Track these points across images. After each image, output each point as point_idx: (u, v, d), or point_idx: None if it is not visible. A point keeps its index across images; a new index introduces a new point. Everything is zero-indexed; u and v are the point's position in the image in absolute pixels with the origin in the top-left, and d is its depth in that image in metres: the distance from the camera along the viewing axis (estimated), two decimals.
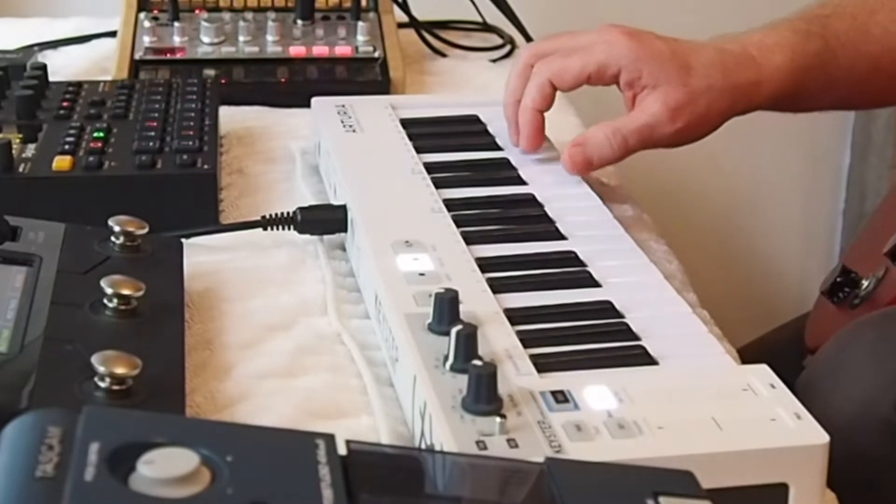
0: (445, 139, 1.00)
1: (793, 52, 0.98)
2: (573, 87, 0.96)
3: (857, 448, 0.82)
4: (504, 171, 0.95)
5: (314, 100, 1.06)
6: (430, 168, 0.93)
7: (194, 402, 0.71)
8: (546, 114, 0.97)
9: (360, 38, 1.27)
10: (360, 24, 1.28)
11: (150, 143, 0.95)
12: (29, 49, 1.34)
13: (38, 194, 0.89)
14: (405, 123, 1.02)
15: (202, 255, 0.88)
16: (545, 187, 0.92)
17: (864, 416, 0.83)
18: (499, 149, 0.99)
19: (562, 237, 0.84)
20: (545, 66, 0.95)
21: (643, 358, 0.69)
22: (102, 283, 0.71)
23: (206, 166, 0.93)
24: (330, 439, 0.47)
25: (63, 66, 1.30)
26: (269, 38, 1.26)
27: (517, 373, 0.66)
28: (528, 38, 1.41)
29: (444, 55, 1.42)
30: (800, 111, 1.09)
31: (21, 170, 0.90)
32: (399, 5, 1.38)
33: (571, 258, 0.81)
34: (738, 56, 0.97)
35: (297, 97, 1.16)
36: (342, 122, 1.01)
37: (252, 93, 1.22)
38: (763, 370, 0.66)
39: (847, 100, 1.11)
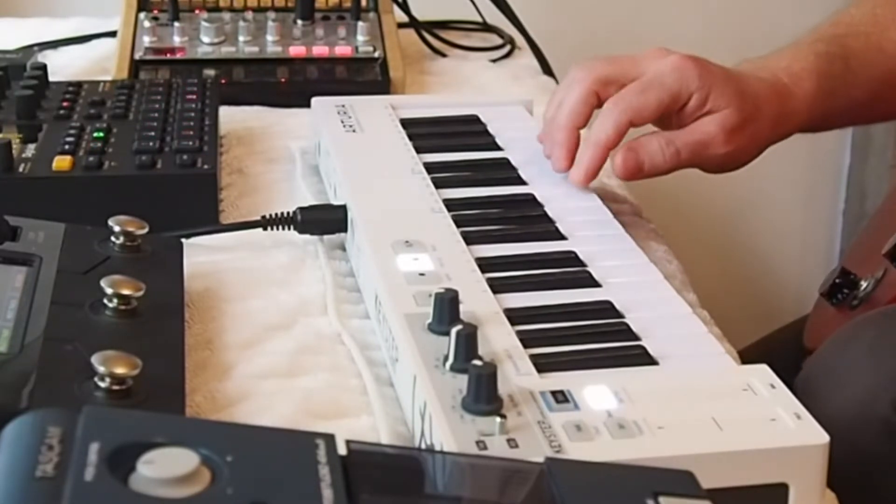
0: (445, 139, 1.00)
1: (819, 77, 0.99)
2: (650, 121, 0.94)
3: (855, 447, 0.82)
4: (504, 171, 0.95)
5: (314, 100, 1.06)
6: (430, 168, 0.93)
7: (194, 402, 0.71)
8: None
9: (360, 38, 1.27)
10: (360, 24, 1.28)
11: (150, 143, 0.95)
12: (29, 49, 1.34)
13: (38, 194, 0.90)
14: (405, 123, 1.02)
15: (202, 255, 0.88)
16: (545, 187, 0.92)
17: (863, 415, 0.83)
18: (499, 149, 0.99)
19: (562, 237, 0.84)
20: (624, 104, 0.91)
21: (643, 358, 0.69)
22: (102, 283, 0.71)
23: (206, 166, 0.93)
24: (330, 439, 0.47)
25: (63, 66, 1.30)
26: (269, 38, 1.26)
27: (517, 373, 0.66)
28: (528, 38, 1.41)
29: (444, 55, 1.42)
30: (823, 131, 1.09)
31: (21, 170, 0.90)
32: (399, 5, 1.38)
33: (571, 258, 0.81)
34: (774, 86, 0.97)
35: (297, 97, 1.16)
36: (342, 122, 1.01)
37: (252, 93, 1.22)
38: (763, 370, 0.66)
39: (864, 117, 1.12)
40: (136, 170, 0.92)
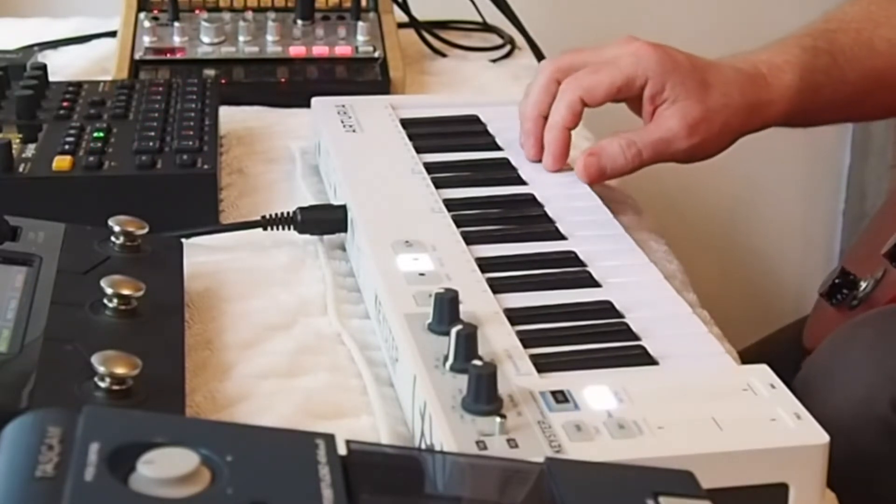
0: (445, 139, 1.00)
1: (802, 70, 0.99)
2: (603, 102, 0.95)
3: (854, 447, 0.82)
4: (504, 171, 0.95)
5: (314, 100, 1.06)
6: (430, 168, 0.93)
7: (194, 402, 0.71)
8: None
9: (360, 38, 1.27)
10: (360, 24, 1.28)
11: (150, 143, 0.95)
12: (29, 49, 1.34)
13: (38, 194, 0.90)
14: (405, 123, 1.02)
15: (202, 255, 0.88)
16: (545, 187, 0.92)
17: (862, 414, 0.83)
18: (499, 149, 0.99)
19: (562, 237, 0.84)
20: (575, 83, 0.94)
21: (643, 358, 0.69)
22: (102, 283, 0.71)
23: (206, 166, 0.93)
24: (330, 439, 0.47)
25: (63, 66, 1.30)
26: (269, 38, 1.26)
27: (517, 373, 0.66)
28: (529, 38, 1.41)
29: (444, 55, 1.42)
30: (808, 126, 1.10)
31: (21, 170, 0.90)
32: (399, 5, 1.38)
33: (571, 258, 0.81)
34: (751, 76, 0.98)
35: (297, 97, 1.16)
36: (342, 122, 1.01)
37: (252, 93, 1.22)
38: (763, 370, 0.66)
39: (853, 113, 1.12)
40: (136, 170, 0.92)
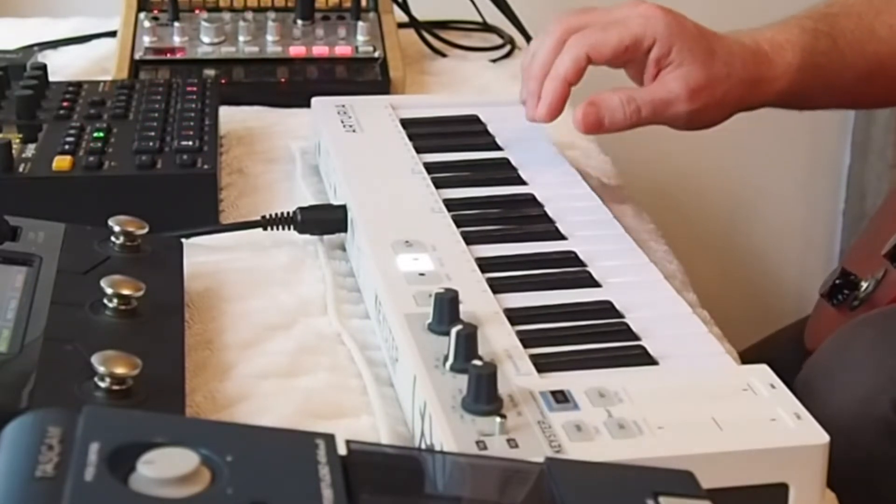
0: (445, 139, 1.00)
1: (802, 50, 0.99)
2: (610, 60, 0.95)
3: (855, 447, 0.82)
4: (504, 171, 0.95)
5: (314, 100, 1.06)
6: (430, 168, 0.93)
7: (194, 402, 0.71)
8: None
9: (360, 38, 1.27)
10: (360, 24, 1.28)
11: (150, 143, 0.95)
12: (29, 49, 1.34)
13: (38, 194, 0.89)
14: (405, 123, 1.02)
15: (202, 255, 0.88)
16: (545, 187, 0.92)
17: (863, 414, 0.83)
18: (499, 149, 0.99)
19: (562, 237, 0.84)
20: (582, 39, 0.94)
21: (643, 358, 0.69)
22: (102, 283, 0.71)
23: (206, 166, 0.93)
24: (330, 439, 0.47)
25: (63, 66, 1.30)
26: (269, 38, 1.26)
27: (517, 373, 0.66)
28: (529, 39, 1.41)
29: (444, 55, 1.42)
30: (806, 108, 1.10)
31: (21, 170, 0.90)
32: (399, 5, 1.38)
33: (571, 258, 0.81)
34: (754, 51, 0.98)
35: (297, 97, 1.16)
36: (342, 122, 1.01)
37: (252, 93, 1.22)
38: (763, 370, 0.66)
39: (852, 99, 1.12)
40: (136, 170, 0.92)
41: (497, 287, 0.76)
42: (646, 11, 0.95)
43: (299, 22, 1.29)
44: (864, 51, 1.03)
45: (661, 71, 0.95)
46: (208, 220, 0.92)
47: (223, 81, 1.20)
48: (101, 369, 0.62)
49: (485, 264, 0.78)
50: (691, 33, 0.96)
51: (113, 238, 0.79)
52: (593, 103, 0.94)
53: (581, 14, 0.97)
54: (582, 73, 0.95)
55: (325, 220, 0.90)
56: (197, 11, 1.30)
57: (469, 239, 0.82)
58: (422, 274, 0.76)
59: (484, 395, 0.61)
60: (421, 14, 1.42)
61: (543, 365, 0.67)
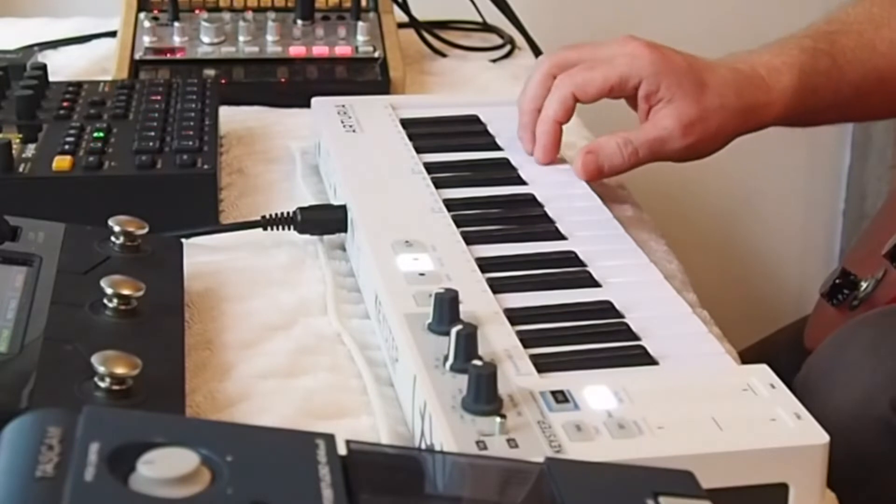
0: (445, 139, 1.00)
1: (801, 72, 0.99)
2: (595, 99, 0.96)
3: (854, 447, 0.82)
4: (504, 171, 0.95)
5: (314, 100, 1.06)
6: (430, 168, 0.93)
7: (194, 402, 0.71)
8: None
9: (360, 38, 1.27)
10: (360, 24, 1.28)
11: (150, 143, 0.95)
12: (29, 49, 1.34)
13: (38, 194, 0.89)
14: (405, 123, 1.02)
15: (202, 255, 0.88)
16: (545, 187, 0.92)
17: (862, 414, 0.83)
18: (499, 149, 0.99)
19: (562, 237, 0.84)
20: (568, 79, 0.96)
21: (643, 358, 0.69)
22: (102, 283, 0.71)
23: (206, 166, 0.93)
24: (330, 439, 0.47)
25: (63, 66, 1.30)
26: (269, 38, 1.26)
27: (517, 373, 0.66)
28: (528, 38, 1.41)
29: (444, 55, 1.42)
30: (808, 126, 1.10)
31: (21, 170, 0.90)
32: (399, 5, 1.38)
33: (571, 258, 0.81)
34: (749, 77, 0.98)
35: (297, 97, 1.16)
36: (342, 122, 1.01)
37: (252, 93, 1.22)
38: (763, 370, 0.66)
39: (853, 114, 1.13)
40: (136, 170, 0.92)
41: (497, 287, 0.76)
42: (633, 50, 0.96)
43: (299, 22, 1.29)
44: (865, 67, 1.03)
45: (652, 108, 0.96)
46: (208, 220, 0.92)
47: (223, 81, 1.20)
48: (101, 369, 0.62)
49: (485, 264, 0.78)
50: (679, 68, 0.95)
51: (113, 238, 0.79)
52: (591, 151, 0.95)
53: (569, 50, 0.99)
54: (571, 112, 0.96)
55: (325, 220, 0.90)
56: (197, 11, 1.30)
57: (469, 239, 0.82)
58: (422, 274, 0.76)
59: (484, 395, 0.61)
60: (421, 14, 1.42)
61: (543, 365, 0.67)
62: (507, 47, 1.44)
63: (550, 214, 0.87)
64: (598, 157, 0.95)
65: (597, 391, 0.63)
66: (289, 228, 0.90)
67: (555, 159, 0.97)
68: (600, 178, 0.96)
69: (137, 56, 1.24)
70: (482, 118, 1.05)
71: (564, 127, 0.97)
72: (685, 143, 0.95)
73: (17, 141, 0.95)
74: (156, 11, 1.29)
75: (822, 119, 1.09)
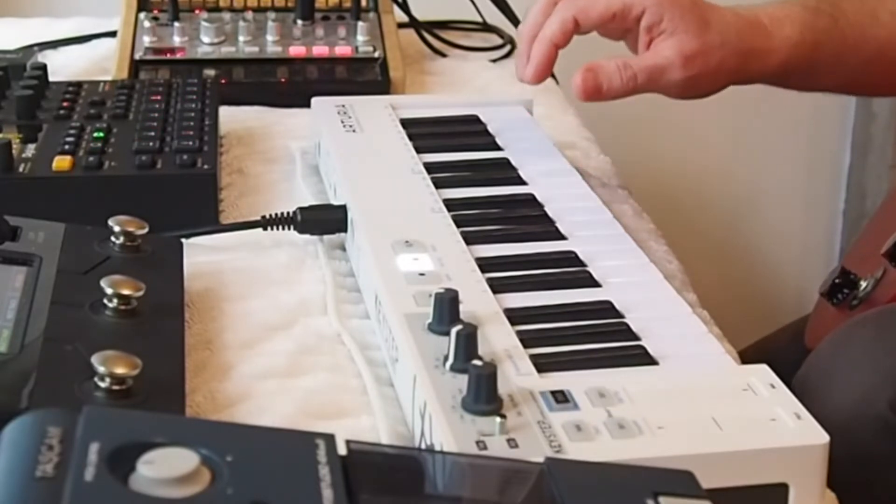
0: (445, 139, 1.00)
1: (802, 26, 1.00)
2: (597, 25, 0.96)
3: (852, 446, 0.82)
4: (504, 171, 0.95)
5: (314, 100, 1.06)
6: (430, 168, 0.93)
7: (194, 402, 0.71)
8: (545, 114, 0.97)
9: (360, 38, 1.27)
10: (360, 24, 1.28)
11: (150, 143, 0.95)
12: (29, 49, 1.34)
13: (38, 194, 0.89)
14: (405, 123, 1.02)
15: (202, 255, 0.88)
16: (545, 187, 0.92)
17: (861, 413, 0.83)
18: (499, 149, 0.99)
19: (562, 237, 0.84)
20: (571, 3, 0.95)
21: (643, 358, 0.69)
22: (102, 283, 0.71)
23: (206, 166, 0.93)
24: (330, 439, 0.47)
25: (63, 66, 1.30)
26: (269, 38, 1.26)
27: (517, 373, 0.66)
28: None
29: (444, 55, 1.42)
30: (804, 89, 1.09)
31: (21, 170, 0.90)
32: (399, 5, 1.38)
33: (571, 258, 0.81)
34: (751, 22, 0.99)
35: (297, 97, 1.16)
36: (342, 122, 1.01)
37: (252, 93, 1.22)
38: (763, 370, 0.66)
39: (851, 83, 1.12)
40: (136, 170, 0.92)
41: (497, 287, 0.76)
42: None
43: (299, 22, 1.29)
44: (866, 34, 1.03)
45: (653, 40, 0.96)
46: (208, 220, 0.92)
47: (223, 81, 1.20)
48: (101, 369, 0.62)
49: (485, 264, 0.78)
50: (683, 3, 0.96)
51: (113, 238, 0.79)
52: (591, 69, 0.95)
53: None
54: (569, 37, 0.96)
55: (325, 220, 0.90)
56: (197, 11, 1.30)
57: (469, 239, 0.82)
58: (422, 274, 0.76)
59: (484, 395, 0.61)
60: (421, 14, 1.42)
61: (543, 365, 0.67)
62: (507, 47, 1.44)
63: (550, 214, 0.87)
64: (597, 75, 0.94)
65: (597, 391, 0.63)
66: (289, 228, 0.90)
67: (543, 79, 0.96)
68: (598, 99, 0.95)
69: (137, 56, 1.24)
70: (482, 118, 1.05)
71: (564, 127, 0.98)
72: (684, 75, 0.95)
73: (17, 141, 0.95)
74: (156, 11, 1.29)
75: (821, 83, 1.09)
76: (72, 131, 0.96)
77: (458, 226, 0.83)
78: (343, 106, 1.05)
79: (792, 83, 1.06)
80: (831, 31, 1.01)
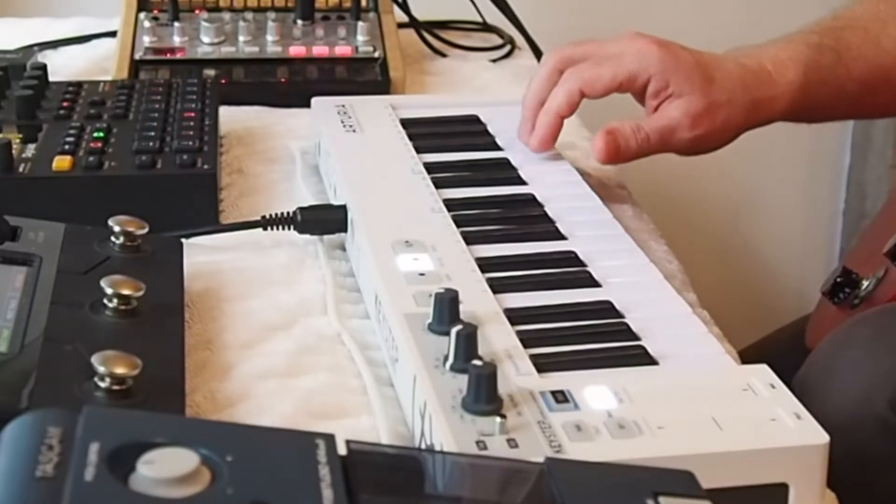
0: (445, 139, 1.00)
1: (806, 67, 1.00)
2: (603, 95, 0.97)
3: (852, 445, 0.82)
4: (504, 171, 0.95)
5: (314, 100, 1.06)
6: (430, 168, 0.93)
7: (194, 402, 0.71)
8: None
9: (360, 38, 1.27)
10: (360, 24, 1.28)
11: (150, 143, 0.95)
12: (29, 49, 1.34)
13: (38, 194, 0.89)
14: (405, 123, 1.02)
15: (202, 255, 0.88)
16: (545, 187, 0.92)
17: (860, 413, 0.83)
18: (499, 149, 0.99)
19: (562, 237, 0.84)
20: (577, 74, 0.96)
21: (643, 358, 0.69)
22: (102, 283, 0.71)
23: (206, 166, 0.93)
24: (330, 439, 0.47)
25: (63, 66, 1.30)
26: (269, 38, 1.26)
27: (517, 373, 0.66)
28: (528, 38, 1.41)
29: (444, 55, 1.42)
30: (812, 122, 1.10)
31: (21, 170, 0.90)
32: (399, 5, 1.38)
33: (571, 258, 0.81)
34: (755, 72, 0.99)
35: (297, 97, 1.16)
36: (342, 122, 1.01)
37: (252, 93, 1.22)
38: (763, 370, 0.66)
39: (858, 111, 1.13)
40: (136, 170, 0.92)
41: (497, 287, 0.76)
42: (641, 47, 0.96)
43: (299, 22, 1.29)
44: (870, 64, 1.04)
45: (661, 104, 0.97)
46: (208, 220, 0.92)
47: (223, 81, 1.20)
48: (101, 369, 0.62)
49: (485, 264, 0.78)
50: (687, 64, 0.97)
51: (113, 238, 0.79)
52: (611, 132, 0.96)
53: (576, 46, 0.99)
54: (575, 108, 0.97)
55: (325, 220, 0.90)
56: (197, 11, 1.30)
57: (469, 239, 0.82)
58: (422, 274, 0.76)
59: (484, 395, 0.61)
60: (421, 14, 1.42)
61: (543, 365, 0.67)
62: (507, 47, 1.44)
63: (550, 214, 0.87)
64: (616, 137, 0.95)
65: (597, 391, 0.63)
66: (289, 228, 0.90)
67: (548, 149, 0.97)
68: (616, 161, 0.97)
69: (137, 56, 1.24)
70: (482, 118, 1.05)
71: (565, 127, 0.97)
72: (693, 135, 0.96)
73: (17, 141, 0.95)
74: (156, 11, 1.29)
75: (828, 114, 1.10)
76: (72, 131, 0.96)
77: (458, 226, 0.83)
78: (343, 106, 1.05)
79: (798, 120, 1.07)
80: (836, 66, 1.02)
